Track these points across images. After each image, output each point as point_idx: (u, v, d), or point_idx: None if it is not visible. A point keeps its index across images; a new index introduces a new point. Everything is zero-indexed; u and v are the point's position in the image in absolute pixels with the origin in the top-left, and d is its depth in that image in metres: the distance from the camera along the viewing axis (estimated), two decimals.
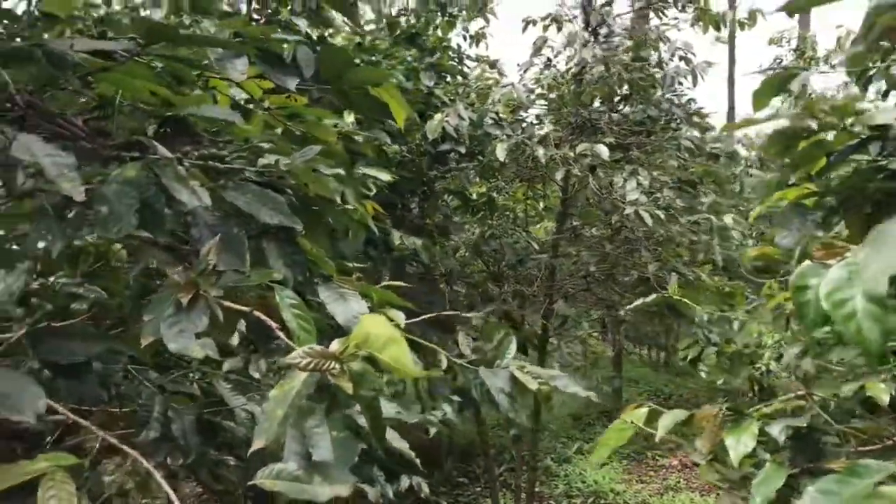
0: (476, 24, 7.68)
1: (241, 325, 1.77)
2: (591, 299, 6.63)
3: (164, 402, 2.15)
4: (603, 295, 6.38)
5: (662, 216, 4.94)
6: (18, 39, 1.92)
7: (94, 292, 2.04)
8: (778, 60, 13.76)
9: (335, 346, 1.26)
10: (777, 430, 1.54)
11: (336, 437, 1.39)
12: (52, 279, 2.04)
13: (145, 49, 1.65)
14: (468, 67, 6.94)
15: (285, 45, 2.09)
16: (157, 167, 1.48)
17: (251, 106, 2.18)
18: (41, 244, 1.67)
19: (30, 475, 1.27)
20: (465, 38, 7.63)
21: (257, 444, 1.20)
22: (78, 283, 2.05)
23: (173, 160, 1.51)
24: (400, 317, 1.67)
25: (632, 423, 1.58)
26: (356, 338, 1.23)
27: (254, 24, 4.79)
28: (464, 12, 7.46)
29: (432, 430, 2.87)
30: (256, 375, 2.60)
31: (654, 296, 2.57)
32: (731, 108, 19.30)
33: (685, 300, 2.26)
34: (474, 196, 7.02)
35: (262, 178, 1.65)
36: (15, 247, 1.98)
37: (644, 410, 1.61)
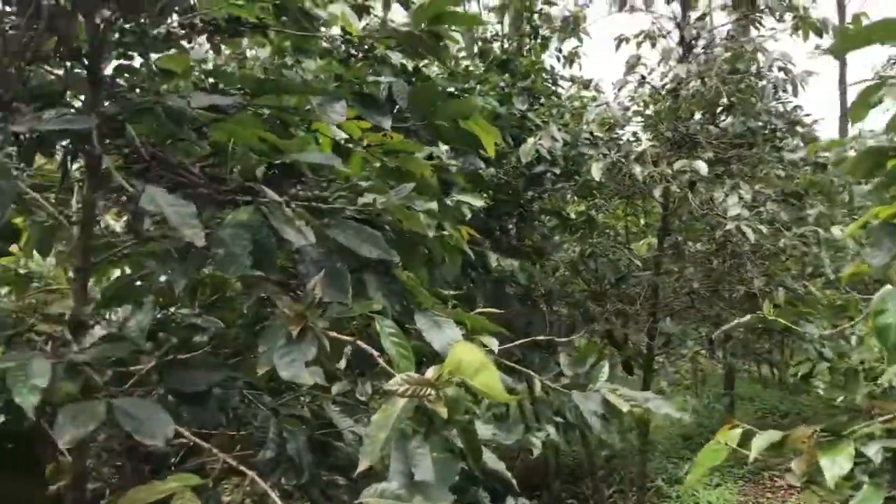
0: (569, 45, 7.71)
1: (347, 350, 1.89)
2: (695, 316, 6.50)
3: (279, 424, 2.28)
4: (708, 312, 6.25)
5: (765, 230, 4.82)
6: (138, 90, 2.11)
7: (212, 323, 2.20)
8: (893, 62, 13.09)
9: (430, 372, 1.35)
10: (873, 451, 1.51)
11: (436, 458, 1.47)
12: (172, 310, 2.23)
13: (253, 100, 1.80)
14: (562, 88, 6.99)
15: (381, 85, 2.22)
16: (267, 210, 1.62)
17: (351, 145, 2.31)
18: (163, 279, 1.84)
19: (163, 494, 1.41)
20: (558, 58, 7.68)
21: (363, 465, 1.30)
22: (196, 315, 2.22)
23: (281, 203, 1.65)
24: (493, 343, 1.75)
25: (726, 443, 1.59)
26: (449, 365, 1.31)
27: (352, 59, 4.99)
28: (556, 33, 7.52)
29: (536, 452, 2.90)
30: (363, 398, 2.73)
31: (748, 316, 2.54)
32: (844, 115, 18.42)
33: (780, 319, 2.22)
34: (573, 215, 7.03)
35: (361, 216, 1.77)
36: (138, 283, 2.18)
37: (738, 431, 1.62)
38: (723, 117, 6.39)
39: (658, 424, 10.12)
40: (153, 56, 2.11)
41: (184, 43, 2.13)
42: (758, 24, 6.12)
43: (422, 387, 1.32)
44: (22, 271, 2.86)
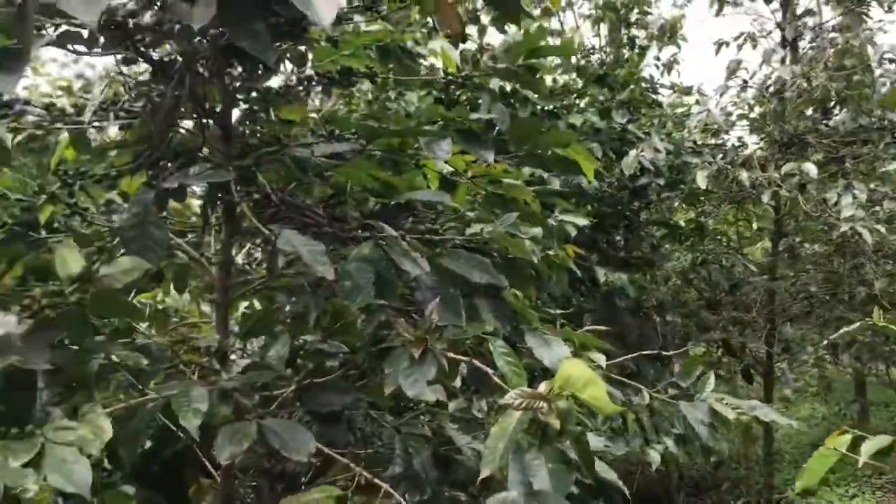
0: (667, 52, 7.67)
1: (462, 369, 2.02)
2: (815, 321, 6.31)
3: (404, 441, 2.43)
4: (828, 315, 6.05)
5: (883, 230, 4.66)
6: (263, 139, 2.32)
7: (337, 348, 2.39)
8: None
9: (542, 387, 1.47)
10: None
11: (551, 469, 1.58)
12: (301, 338, 2.42)
13: (367, 146, 1.98)
14: (662, 96, 6.96)
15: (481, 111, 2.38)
16: (386, 244, 1.79)
17: (457, 177, 2.46)
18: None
19: None
20: (657, 66, 7.65)
21: (484, 472, 1.43)
22: (322, 341, 2.41)
23: (398, 237, 1.81)
24: (600, 358, 1.84)
25: (835, 449, 1.61)
26: (559, 379, 1.43)
27: (451, 87, 5.17)
28: (654, 41, 7.49)
29: (654, 464, 2.93)
30: (479, 415, 2.85)
31: (856, 324, 2.50)
32: None
33: (891, 326, 2.19)
34: (682, 223, 6.96)
35: (471, 245, 1.91)
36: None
37: (847, 437, 1.64)
38: (834, 113, 6.21)
39: (786, 433, 9.78)
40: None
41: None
42: (865, 17, 5.93)
43: (535, 400, 1.44)
44: (160, 307, 3.16)
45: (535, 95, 5.04)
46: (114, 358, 1.73)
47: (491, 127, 2.56)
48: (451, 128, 2.27)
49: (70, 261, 1.64)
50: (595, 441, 1.77)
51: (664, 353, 2.85)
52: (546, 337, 1.86)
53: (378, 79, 2.36)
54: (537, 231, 2.04)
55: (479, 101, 3.14)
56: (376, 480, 1.79)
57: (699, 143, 5.76)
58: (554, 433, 1.45)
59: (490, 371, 1.67)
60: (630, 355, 2.72)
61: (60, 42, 1.61)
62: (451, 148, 2.21)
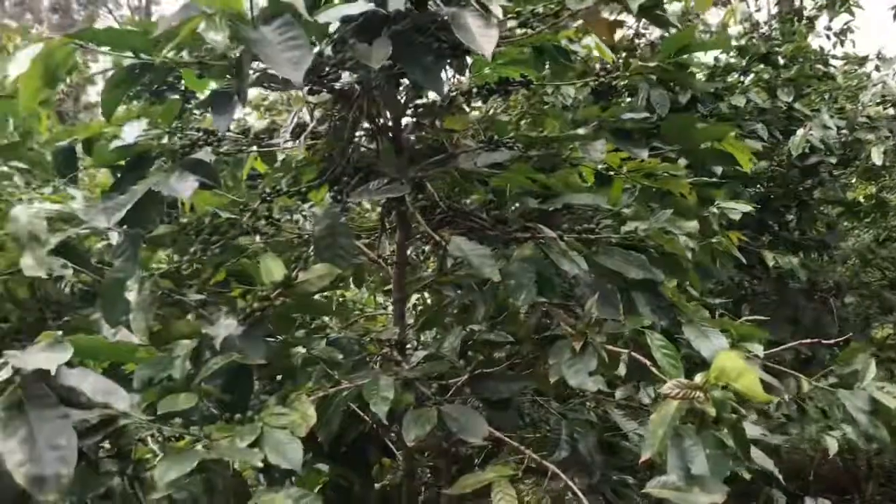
0: (839, 22, 7.23)
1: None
2: None
3: (570, 426, 2.56)
4: None
5: None
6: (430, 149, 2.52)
7: (503, 338, 2.56)
8: None
9: (698, 378, 1.57)
10: None
11: (709, 455, 1.67)
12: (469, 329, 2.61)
13: (525, 153, 2.14)
14: (834, 68, 6.58)
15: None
16: (545, 245, 1.94)
17: (612, 173, 2.56)
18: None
19: (484, 482, 1.77)
20: (827, 37, 7.24)
21: (644, 456, 1.55)
22: (489, 331, 2.58)
23: (556, 238, 1.96)
24: (758, 349, 1.90)
25: None
26: (714, 370, 1.52)
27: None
28: (824, 10, 7.09)
29: (831, 451, 2.89)
30: (646, 401, 2.93)
31: None
32: None
33: None
34: (861, 199, 6.57)
35: (626, 242, 2.02)
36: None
37: None
38: None
39: None
40: None
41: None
42: None
43: (691, 390, 1.54)
44: (340, 300, 3.48)
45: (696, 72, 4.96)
46: (314, 352, 2.00)
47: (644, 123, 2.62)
48: (604, 128, 2.38)
49: (274, 269, 1.91)
50: (751, 429, 1.82)
51: (841, 337, 2.78)
52: (704, 328, 1.94)
53: (533, 85, 2.49)
54: (692, 225, 2.11)
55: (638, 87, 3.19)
56: (545, 462, 1.95)
57: (874, 116, 5.43)
58: (710, 420, 1.54)
59: (648, 363, 1.78)
60: (803, 341, 2.71)
61: (260, 83, 1.88)
62: (605, 147, 2.32)
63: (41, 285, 1.94)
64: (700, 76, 5.23)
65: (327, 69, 1.85)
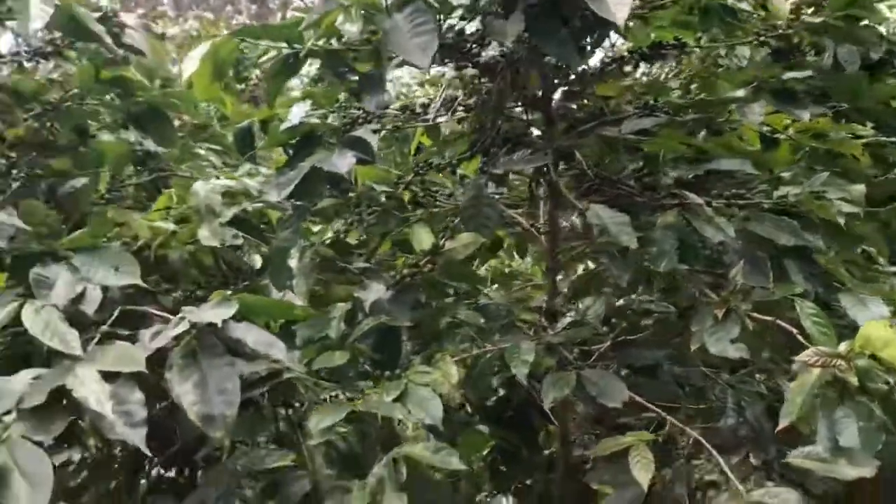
0: None
1: None
2: None
3: (736, 394, 2.46)
4: None
5: None
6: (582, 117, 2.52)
7: (664, 308, 2.53)
8: None
9: (843, 347, 1.51)
10: None
11: (861, 427, 1.59)
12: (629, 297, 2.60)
13: (675, 117, 2.11)
14: None
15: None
16: (689, 212, 1.91)
17: (777, 135, 2.44)
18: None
19: (623, 445, 1.79)
20: None
21: (782, 423, 1.52)
22: (650, 301, 2.56)
23: (702, 204, 1.93)
24: None
25: None
26: (859, 339, 1.46)
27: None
28: None
29: None
30: None
31: None
32: None
33: None
34: None
35: (778, 207, 1.95)
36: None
37: None
38: None
39: None
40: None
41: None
42: None
43: (832, 359, 1.49)
44: (506, 270, 3.56)
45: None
46: (460, 317, 2.11)
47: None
48: (764, 89, 2.28)
49: (423, 237, 2.04)
50: None
51: None
52: (863, 297, 1.83)
53: (689, 48, 2.42)
54: (858, 189, 1.98)
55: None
56: (701, 439, 1.88)
57: None
58: (854, 390, 1.48)
59: (796, 332, 1.72)
60: None
61: (403, 64, 1.99)
62: (765, 109, 2.23)
63: (224, 254, 2.17)
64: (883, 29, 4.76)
65: (469, 45, 1.92)
